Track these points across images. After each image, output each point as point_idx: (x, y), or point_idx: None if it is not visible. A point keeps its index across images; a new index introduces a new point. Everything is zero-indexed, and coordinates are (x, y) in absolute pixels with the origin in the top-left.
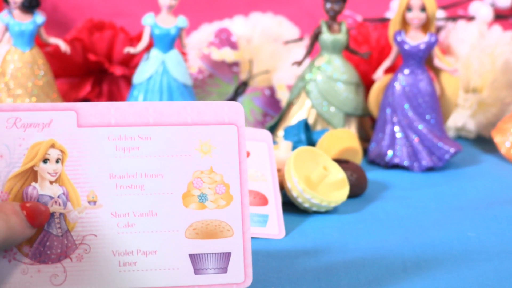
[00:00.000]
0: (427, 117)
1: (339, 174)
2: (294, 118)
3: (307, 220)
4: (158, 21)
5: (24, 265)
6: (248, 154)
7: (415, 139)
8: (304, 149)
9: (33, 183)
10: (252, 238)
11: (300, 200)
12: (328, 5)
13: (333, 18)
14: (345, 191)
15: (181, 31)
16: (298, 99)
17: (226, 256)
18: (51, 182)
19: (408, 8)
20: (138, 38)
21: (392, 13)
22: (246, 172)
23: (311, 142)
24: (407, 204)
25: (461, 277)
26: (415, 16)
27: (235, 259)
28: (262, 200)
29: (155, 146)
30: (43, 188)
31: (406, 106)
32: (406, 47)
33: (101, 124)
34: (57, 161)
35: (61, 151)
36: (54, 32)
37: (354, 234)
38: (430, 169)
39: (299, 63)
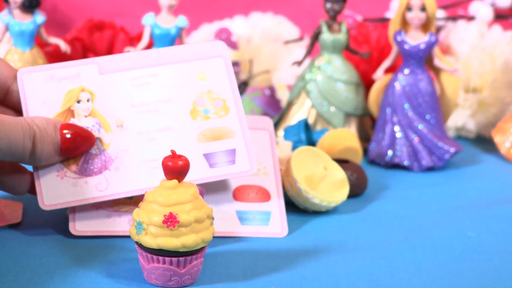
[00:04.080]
0: (427, 117)
1: (339, 174)
2: (294, 118)
3: (307, 220)
4: (158, 21)
5: (74, 179)
6: None
7: (415, 139)
8: (304, 149)
9: (72, 119)
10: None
11: (300, 200)
12: (328, 5)
13: (333, 18)
14: (345, 191)
15: (181, 31)
16: (298, 99)
17: (232, 151)
18: (85, 116)
19: (408, 8)
20: (138, 38)
21: (392, 13)
22: (236, 89)
23: (311, 142)
24: (407, 204)
25: (461, 277)
26: (415, 16)
27: (240, 153)
28: (265, 196)
29: (162, 80)
30: (80, 121)
31: (406, 106)
32: (406, 47)
33: (118, 70)
34: (87, 101)
35: (90, 93)
36: (54, 32)
37: (354, 234)
38: (430, 169)
39: (299, 63)
